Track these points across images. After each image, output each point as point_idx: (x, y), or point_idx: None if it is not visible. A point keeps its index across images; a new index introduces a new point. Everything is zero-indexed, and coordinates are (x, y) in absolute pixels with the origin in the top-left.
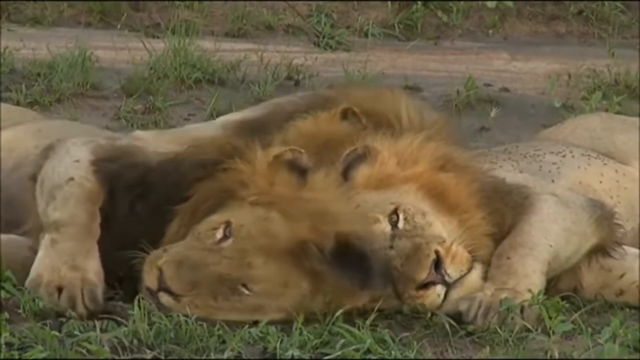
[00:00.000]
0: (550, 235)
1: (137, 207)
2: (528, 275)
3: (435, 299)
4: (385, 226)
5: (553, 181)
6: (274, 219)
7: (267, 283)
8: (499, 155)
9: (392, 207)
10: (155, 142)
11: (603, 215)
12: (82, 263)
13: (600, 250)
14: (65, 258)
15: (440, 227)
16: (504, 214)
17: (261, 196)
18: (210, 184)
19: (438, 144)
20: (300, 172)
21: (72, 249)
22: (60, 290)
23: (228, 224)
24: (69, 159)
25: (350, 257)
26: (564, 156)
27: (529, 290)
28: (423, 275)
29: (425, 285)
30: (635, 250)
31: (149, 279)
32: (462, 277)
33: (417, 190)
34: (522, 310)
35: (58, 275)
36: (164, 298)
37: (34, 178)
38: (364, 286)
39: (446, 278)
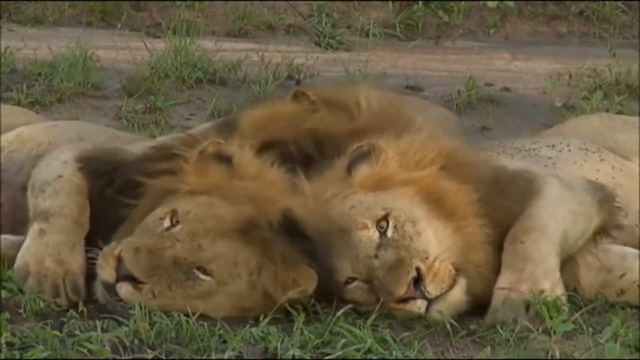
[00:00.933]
0: (558, 217)
1: (106, 192)
2: (544, 259)
3: (417, 312)
4: (372, 233)
5: None
6: (217, 204)
7: (218, 262)
8: (493, 149)
9: (382, 213)
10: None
11: (604, 197)
12: (66, 257)
13: (602, 232)
14: (50, 250)
15: (429, 237)
16: (509, 207)
17: (196, 186)
18: (152, 184)
19: (440, 140)
20: (228, 161)
21: (58, 241)
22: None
23: (174, 212)
24: (56, 162)
25: (296, 231)
26: (560, 151)
27: (546, 276)
28: (401, 292)
29: (404, 300)
30: (635, 251)
31: (106, 272)
32: (443, 293)
33: (414, 194)
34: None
35: (43, 267)
36: (124, 289)
37: (25, 188)
38: (309, 261)
39: (426, 294)
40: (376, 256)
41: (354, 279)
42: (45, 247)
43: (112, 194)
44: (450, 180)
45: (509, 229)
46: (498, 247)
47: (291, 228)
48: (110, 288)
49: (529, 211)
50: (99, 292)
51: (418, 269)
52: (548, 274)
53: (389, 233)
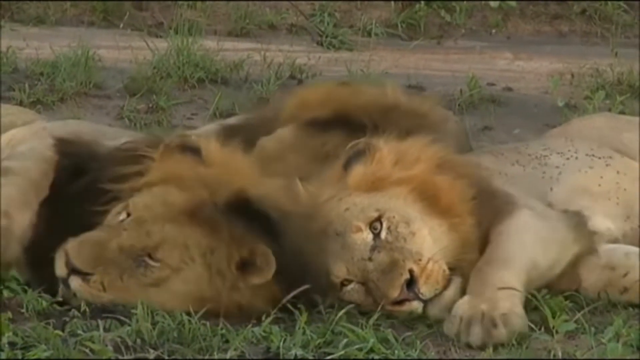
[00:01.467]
0: (526, 246)
1: (71, 184)
2: (505, 284)
3: (413, 313)
4: (366, 235)
5: (551, 189)
6: (170, 192)
7: (167, 246)
8: (509, 154)
9: (375, 215)
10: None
11: (580, 223)
12: (13, 213)
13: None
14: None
15: (423, 238)
16: (481, 221)
17: (156, 177)
18: (120, 190)
19: (441, 146)
20: (194, 152)
21: (9, 196)
22: None
23: (127, 205)
24: (35, 138)
25: (247, 210)
26: (567, 158)
27: (506, 299)
28: (395, 294)
29: (399, 302)
30: (636, 249)
31: (59, 267)
32: (437, 295)
33: (408, 192)
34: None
35: None
36: (74, 282)
37: None
38: (267, 241)
39: (420, 296)
40: (370, 259)
41: (350, 281)
42: None
43: (77, 189)
44: (444, 175)
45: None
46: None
47: (245, 208)
48: (65, 282)
49: (495, 240)
50: (61, 290)
51: (411, 271)
52: (508, 297)
53: (383, 235)
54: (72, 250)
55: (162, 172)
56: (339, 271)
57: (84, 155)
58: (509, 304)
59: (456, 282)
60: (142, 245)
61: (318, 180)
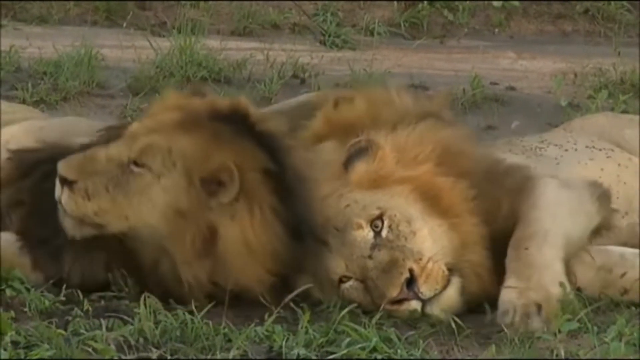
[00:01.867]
0: (559, 219)
1: (46, 186)
2: (549, 265)
3: (412, 313)
4: (367, 233)
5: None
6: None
7: (151, 151)
8: (501, 147)
9: (377, 213)
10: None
11: (603, 195)
12: None
13: (597, 231)
14: None
15: (424, 237)
16: (500, 200)
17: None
18: None
19: (437, 132)
20: None
21: None
22: None
23: None
24: None
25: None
26: (566, 150)
27: (554, 283)
28: (394, 293)
29: (399, 301)
30: (633, 250)
31: (57, 189)
32: (437, 294)
33: (410, 192)
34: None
35: None
36: (63, 195)
37: None
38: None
39: (420, 295)
40: (370, 257)
41: (348, 278)
42: None
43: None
44: (446, 175)
45: (497, 222)
46: (489, 242)
47: (240, 122)
48: (61, 204)
49: (528, 214)
50: (62, 219)
51: (411, 270)
52: (555, 279)
53: (384, 233)
54: (62, 163)
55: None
56: (338, 267)
57: (50, 161)
58: (558, 290)
59: (455, 283)
60: (128, 152)
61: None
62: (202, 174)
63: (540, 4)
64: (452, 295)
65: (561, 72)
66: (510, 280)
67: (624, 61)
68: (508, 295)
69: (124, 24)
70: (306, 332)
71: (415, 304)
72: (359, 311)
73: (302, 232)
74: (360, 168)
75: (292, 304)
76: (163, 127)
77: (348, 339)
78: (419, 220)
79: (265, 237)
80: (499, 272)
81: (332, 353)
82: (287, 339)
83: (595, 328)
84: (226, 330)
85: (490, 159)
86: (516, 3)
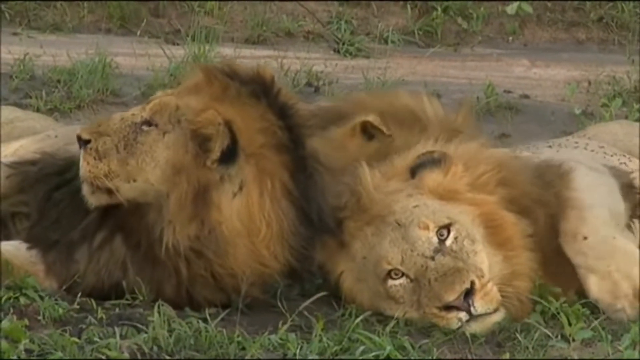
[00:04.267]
0: (600, 198)
1: (56, 196)
2: (613, 245)
3: (454, 324)
4: (432, 236)
5: None
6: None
7: (161, 109)
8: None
9: (446, 221)
10: None
11: (627, 183)
12: None
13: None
14: None
15: (483, 259)
16: (549, 199)
17: None
18: None
19: (493, 152)
20: None
21: None
22: None
23: None
24: None
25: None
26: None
27: (629, 260)
28: (451, 298)
29: (449, 308)
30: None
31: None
32: (486, 314)
33: (476, 216)
34: None
35: None
36: (81, 158)
37: None
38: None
39: (471, 309)
40: (433, 258)
41: (398, 275)
42: None
43: (67, 198)
44: (510, 211)
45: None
46: (543, 239)
47: (260, 85)
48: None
49: (571, 200)
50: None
51: (473, 283)
52: (627, 256)
53: (448, 242)
54: (81, 128)
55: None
56: (394, 259)
57: (59, 171)
58: (637, 266)
59: (503, 312)
60: (141, 113)
61: (381, 170)
62: (199, 131)
63: (554, 11)
64: (496, 320)
65: (575, 80)
66: (591, 281)
67: (638, 69)
68: (603, 300)
69: (138, 32)
70: (320, 340)
71: (462, 316)
72: (373, 319)
73: (313, 220)
74: (436, 177)
75: (306, 312)
76: (179, 88)
77: (362, 347)
78: (480, 243)
79: (272, 215)
80: (547, 263)
81: None
82: (301, 347)
83: (610, 336)
84: (240, 338)
85: (533, 165)
86: (530, 10)
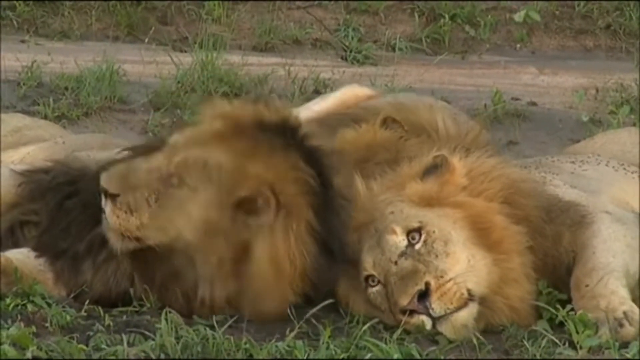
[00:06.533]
0: (617, 253)
1: (67, 204)
2: (613, 292)
3: (420, 328)
4: (400, 240)
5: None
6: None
7: (189, 164)
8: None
9: (416, 225)
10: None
11: None
12: None
13: None
14: None
15: (457, 260)
16: (561, 233)
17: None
18: None
19: (506, 170)
20: None
21: None
22: None
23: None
24: None
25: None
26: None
27: (623, 304)
28: (404, 302)
29: (409, 312)
30: None
31: (102, 203)
32: (447, 313)
33: (462, 217)
34: None
35: None
36: (107, 208)
37: None
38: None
39: (430, 311)
40: (396, 262)
41: (374, 281)
42: None
43: (78, 207)
44: (506, 216)
45: (559, 255)
46: (546, 274)
47: (287, 135)
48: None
49: (585, 252)
50: (104, 225)
51: (427, 284)
52: (623, 302)
53: (417, 246)
54: (104, 175)
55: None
56: (367, 262)
57: (71, 180)
58: (628, 307)
59: (472, 308)
60: (169, 165)
61: (384, 180)
62: (238, 193)
63: (562, 19)
64: (464, 318)
65: (583, 87)
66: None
67: None
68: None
69: (146, 40)
70: (327, 348)
71: (424, 320)
72: (380, 327)
73: (334, 251)
74: (417, 187)
75: (313, 319)
76: (202, 138)
77: (369, 355)
78: (458, 245)
79: (298, 256)
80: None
81: None
82: (309, 354)
83: (617, 344)
84: (247, 345)
85: (548, 196)
86: (537, 17)
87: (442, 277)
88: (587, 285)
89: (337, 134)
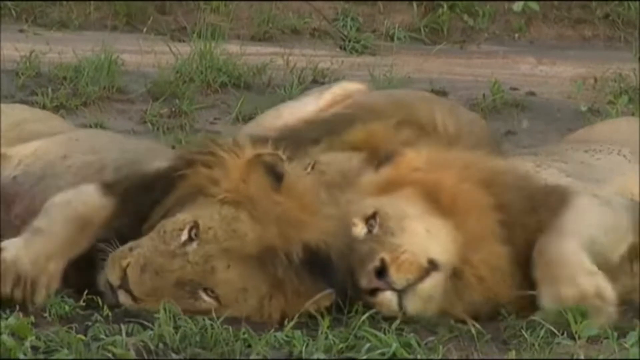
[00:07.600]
0: (583, 222)
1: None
2: (573, 254)
3: (389, 305)
4: (360, 229)
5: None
6: (241, 220)
7: (227, 287)
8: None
9: (370, 211)
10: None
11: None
12: (41, 263)
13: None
14: (30, 254)
15: (413, 232)
16: (544, 221)
17: (231, 194)
18: (186, 179)
19: (469, 155)
20: (277, 177)
21: (37, 252)
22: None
23: (195, 225)
24: (74, 192)
25: (316, 265)
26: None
27: (582, 272)
28: (363, 282)
29: (373, 292)
30: None
31: (112, 276)
32: (410, 284)
33: (414, 193)
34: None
35: (20, 263)
36: (123, 297)
37: None
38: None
39: (393, 285)
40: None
41: None
42: (26, 252)
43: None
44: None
45: (530, 244)
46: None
47: (312, 259)
48: (113, 290)
49: (555, 221)
50: (102, 282)
51: (383, 260)
52: (583, 268)
53: (375, 230)
54: (133, 276)
55: (238, 190)
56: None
57: (138, 192)
58: (589, 280)
59: (435, 277)
60: (201, 280)
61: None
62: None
63: (560, 8)
64: (428, 287)
65: (581, 77)
66: (543, 290)
67: None
68: (545, 304)
69: (144, 29)
70: (326, 338)
71: (390, 295)
72: (379, 317)
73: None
74: (368, 179)
75: (312, 310)
76: (239, 256)
77: (368, 345)
78: (415, 219)
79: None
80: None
81: (352, 358)
82: (307, 344)
83: (616, 333)
84: (246, 335)
85: (534, 186)
86: (536, 7)
87: (396, 250)
88: (547, 250)
89: (343, 134)
